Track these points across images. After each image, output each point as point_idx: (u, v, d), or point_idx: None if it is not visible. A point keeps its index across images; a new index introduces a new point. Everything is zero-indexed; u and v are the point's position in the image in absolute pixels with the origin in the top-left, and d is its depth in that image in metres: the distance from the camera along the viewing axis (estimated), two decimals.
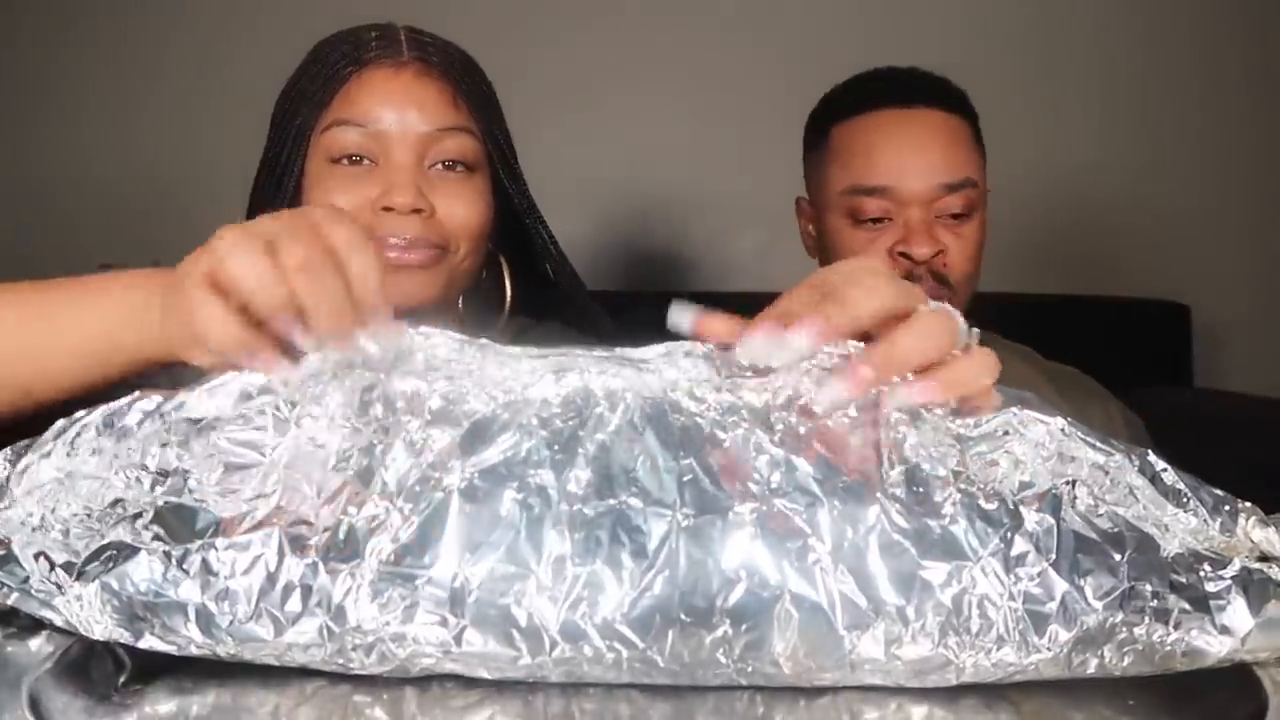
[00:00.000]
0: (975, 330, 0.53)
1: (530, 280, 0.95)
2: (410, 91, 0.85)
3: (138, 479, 0.45)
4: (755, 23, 1.92)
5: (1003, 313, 1.15)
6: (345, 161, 0.85)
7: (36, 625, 0.46)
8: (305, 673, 0.44)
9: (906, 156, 1.02)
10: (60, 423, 0.48)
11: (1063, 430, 0.46)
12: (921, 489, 0.43)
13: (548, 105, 1.89)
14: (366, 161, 0.85)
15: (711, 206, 1.92)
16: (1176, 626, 0.43)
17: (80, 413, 0.48)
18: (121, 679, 0.44)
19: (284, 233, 0.50)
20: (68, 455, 0.46)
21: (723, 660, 0.42)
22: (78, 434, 0.47)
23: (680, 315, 0.51)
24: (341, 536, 0.42)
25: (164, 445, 0.45)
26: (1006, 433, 0.46)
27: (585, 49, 1.92)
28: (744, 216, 1.90)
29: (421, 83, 0.86)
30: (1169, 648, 0.43)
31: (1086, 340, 1.15)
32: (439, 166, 0.85)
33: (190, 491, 0.44)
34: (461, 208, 0.85)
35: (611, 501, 0.42)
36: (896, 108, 1.04)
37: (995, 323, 1.15)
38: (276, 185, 0.88)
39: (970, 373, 0.48)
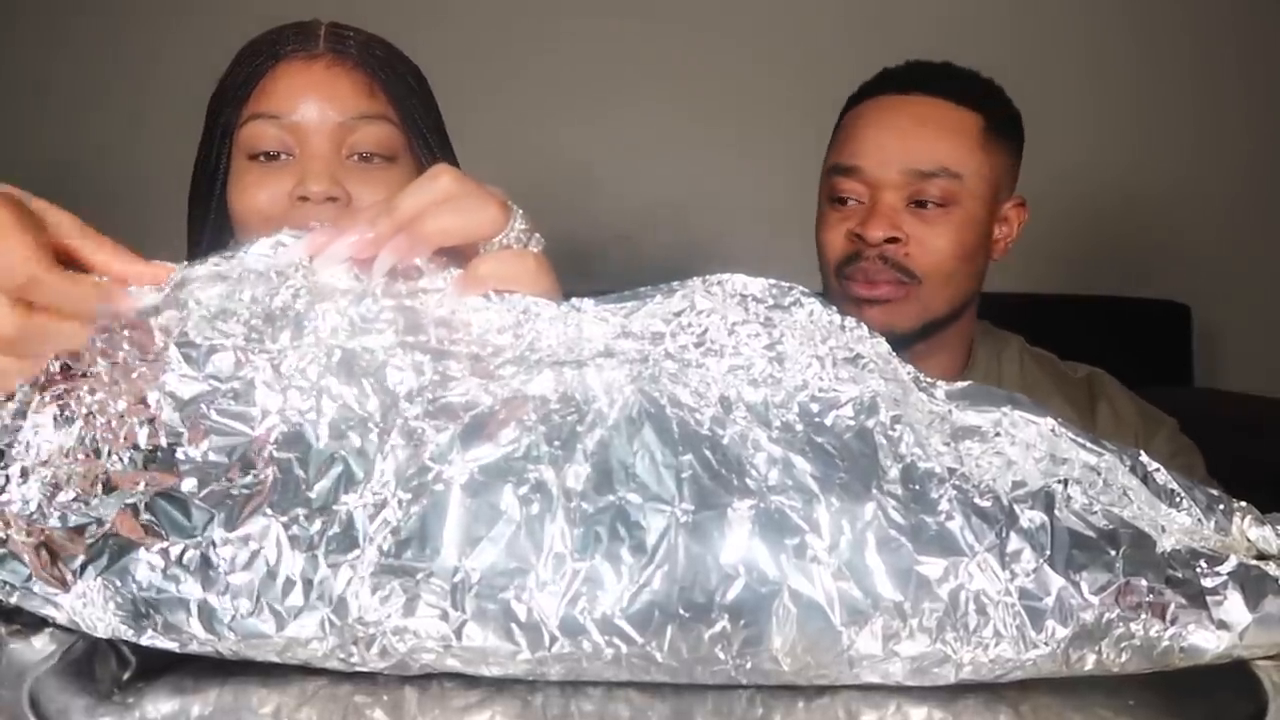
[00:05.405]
0: (537, 237, 0.55)
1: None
2: (323, 82, 0.86)
3: (130, 459, 0.44)
4: (755, 24, 1.92)
5: (1003, 312, 1.15)
6: (262, 158, 0.86)
7: (39, 623, 0.46)
8: (307, 673, 0.44)
9: (882, 139, 1.02)
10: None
11: (1053, 430, 0.46)
12: (917, 485, 0.43)
13: (548, 105, 1.89)
14: (284, 156, 0.86)
15: (711, 206, 1.92)
16: (1173, 622, 0.43)
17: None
18: (124, 677, 0.44)
19: None
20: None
21: (721, 656, 0.42)
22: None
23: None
24: (340, 527, 0.42)
25: (151, 421, 0.45)
26: (998, 434, 0.46)
27: (585, 50, 1.92)
28: (744, 216, 1.90)
29: (334, 73, 0.86)
30: (1166, 643, 0.43)
31: (1087, 340, 1.16)
32: (356, 158, 0.86)
33: (180, 471, 0.44)
34: (375, 197, 0.84)
35: (611, 497, 0.42)
36: (893, 94, 1.04)
37: (996, 322, 1.15)
38: (208, 185, 0.89)
39: (439, 224, 0.51)
